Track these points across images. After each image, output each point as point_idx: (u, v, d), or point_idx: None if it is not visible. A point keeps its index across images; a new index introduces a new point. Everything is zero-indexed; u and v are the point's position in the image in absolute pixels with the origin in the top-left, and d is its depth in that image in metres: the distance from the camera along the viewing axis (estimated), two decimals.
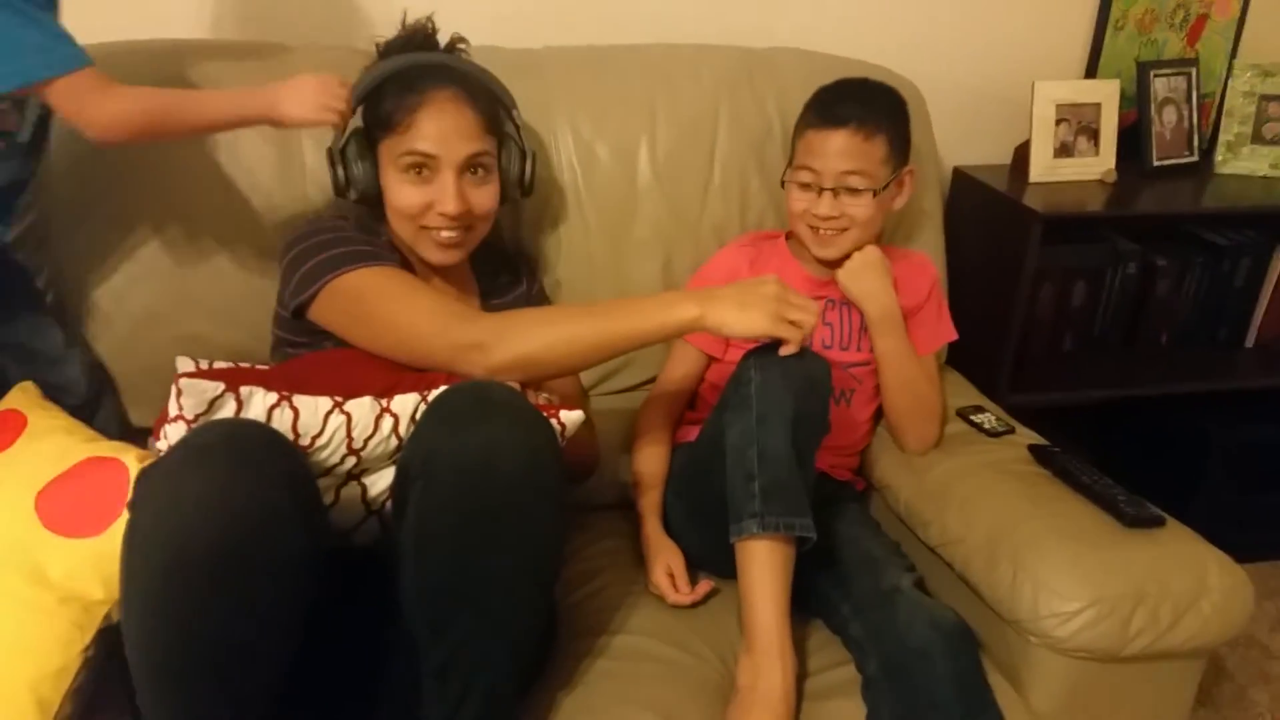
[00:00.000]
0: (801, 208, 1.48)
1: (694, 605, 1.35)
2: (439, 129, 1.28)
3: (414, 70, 1.29)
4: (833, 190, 1.45)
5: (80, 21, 1.17)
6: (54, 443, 1.21)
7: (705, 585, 1.37)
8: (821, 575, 1.33)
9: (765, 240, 1.62)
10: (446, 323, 1.20)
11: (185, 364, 1.41)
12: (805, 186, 1.48)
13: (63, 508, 1.14)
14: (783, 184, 1.53)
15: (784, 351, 1.18)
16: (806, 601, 1.32)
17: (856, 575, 1.34)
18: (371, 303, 1.22)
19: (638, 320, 1.19)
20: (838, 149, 1.43)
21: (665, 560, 1.38)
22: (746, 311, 1.16)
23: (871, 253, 1.49)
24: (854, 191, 1.45)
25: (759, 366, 1.20)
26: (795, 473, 1.18)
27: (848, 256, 1.50)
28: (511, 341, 1.18)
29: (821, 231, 1.48)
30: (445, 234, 1.31)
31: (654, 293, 1.62)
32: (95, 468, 1.18)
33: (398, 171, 1.29)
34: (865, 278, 1.49)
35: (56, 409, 1.30)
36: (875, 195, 1.45)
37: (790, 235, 1.60)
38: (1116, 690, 1.26)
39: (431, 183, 1.29)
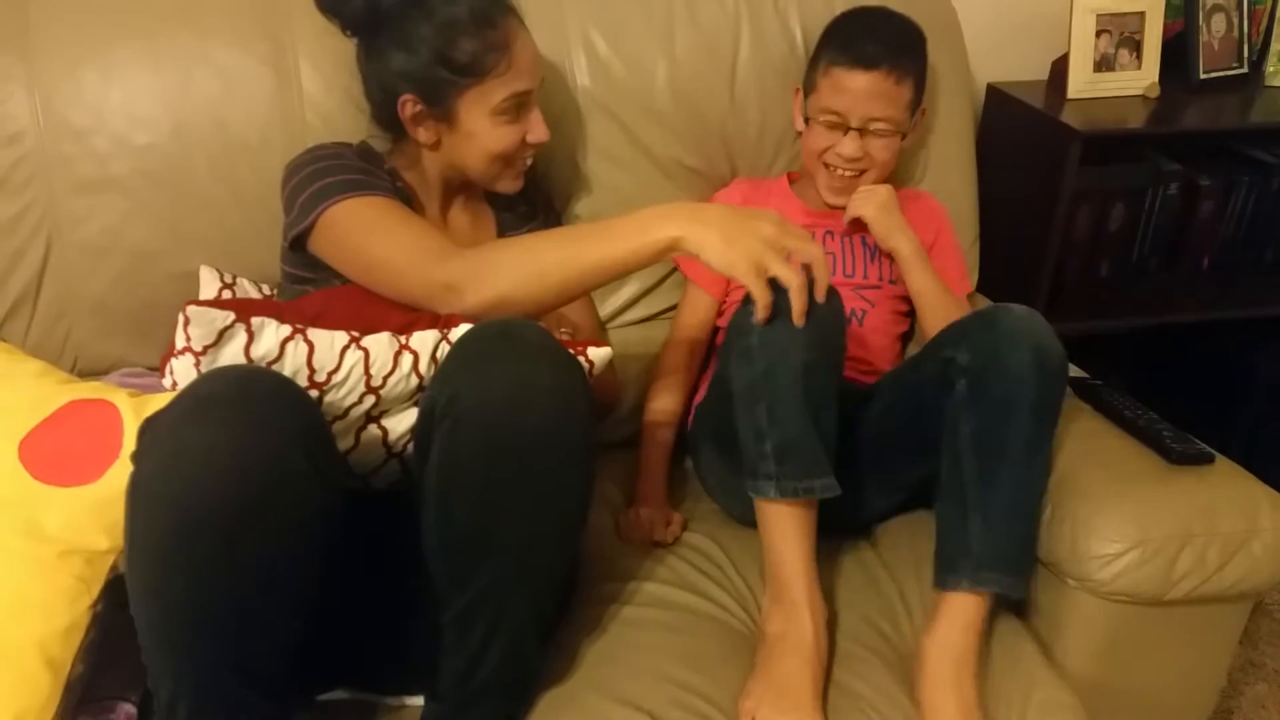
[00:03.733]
0: (824, 145, 1.44)
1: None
2: (529, 60, 1.26)
3: (480, 2, 1.22)
4: (858, 130, 1.41)
5: None
6: (27, 388, 1.14)
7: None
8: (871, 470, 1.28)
9: (767, 180, 1.58)
10: (422, 260, 1.14)
11: (209, 274, 1.38)
12: (830, 126, 1.43)
13: (51, 456, 1.08)
14: (806, 120, 1.48)
15: (757, 318, 1.08)
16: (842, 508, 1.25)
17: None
18: (354, 235, 1.17)
19: (613, 245, 1.10)
20: (867, 91, 1.40)
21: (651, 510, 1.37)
22: (730, 247, 1.05)
23: (884, 189, 1.45)
24: (879, 134, 1.41)
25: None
26: (810, 429, 1.11)
27: None
28: (485, 283, 1.11)
29: (840, 172, 1.44)
30: (528, 162, 1.33)
31: None
32: (81, 411, 1.11)
33: (493, 116, 1.24)
34: (894, 214, 1.45)
35: (19, 350, 1.23)
36: (903, 138, 1.44)
37: (792, 179, 1.56)
38: (1157, 635, 1.22)
39: (520, 118, 1.27)
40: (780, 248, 1.06)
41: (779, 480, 1.11)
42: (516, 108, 1.26)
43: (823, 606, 1.15)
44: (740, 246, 1.05)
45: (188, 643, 0.90)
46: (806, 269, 1.10)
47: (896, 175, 1.58)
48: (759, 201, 1.54)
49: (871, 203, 1.43)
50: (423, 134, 1.27)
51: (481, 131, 1.25)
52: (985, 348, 1.14)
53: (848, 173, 1.44)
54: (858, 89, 1.39)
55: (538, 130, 1.29)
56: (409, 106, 1.24)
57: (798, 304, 1.07)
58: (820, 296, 1.09)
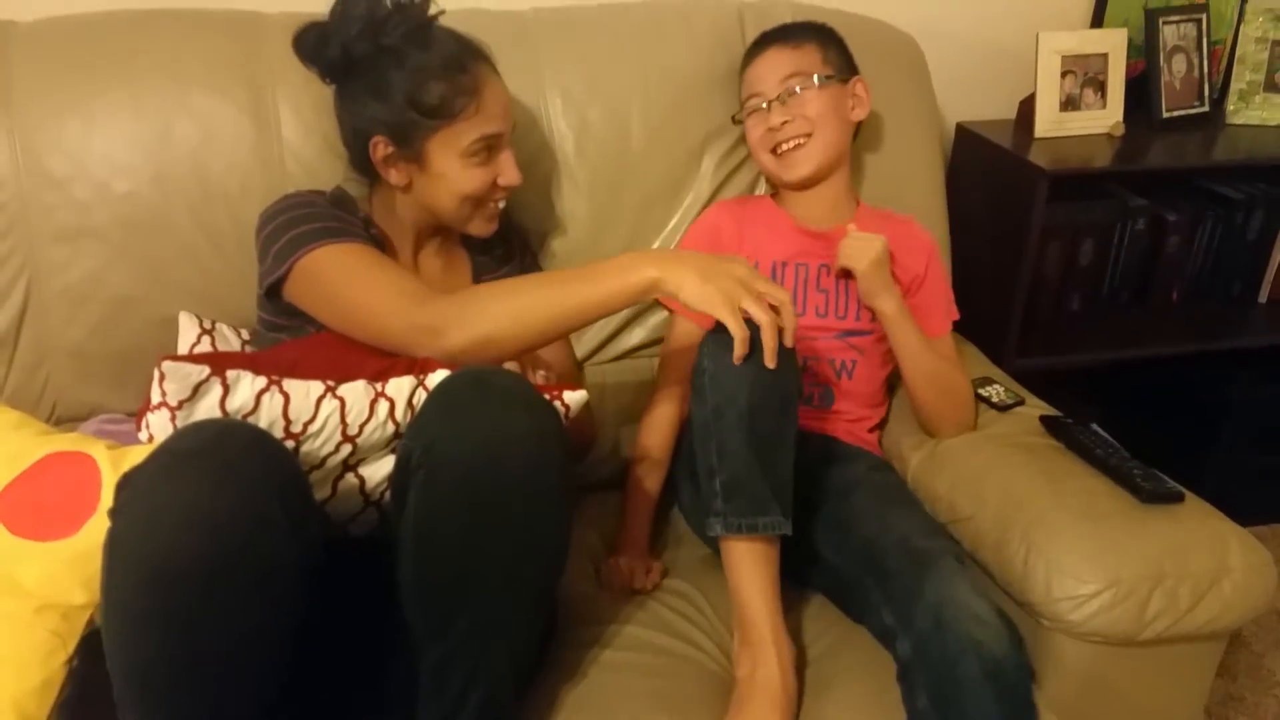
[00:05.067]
0: (758, 132, 1.50)
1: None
2: (499, 105, 1.28)
3: (451, 49, 1.25)
4: (779, 99, 1.46)
5: None
6: (4, 441, 1.14)
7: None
8: (838, 555, 1.28)
9: (751, 199, 1.60)
10: (401, 303, 1.15)
11: (188, 320, 1.38)
12: (755, 113, 1.50)
13: (28, 510, 1.07)
14: (735, 120, 1.56)
15: (735, 355, 1.09)
16: (810, 576, 1.30)
17: (894, 570, 1.21)
18: (332, 281, 1.18)
19: (594, 287, 1.12)
20: (771, 64, 1.48)
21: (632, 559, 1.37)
22: (706, 285, 1.08)
23: (880, 243, 1.40)
24: (797, 91, 1.46)
25: (711, 355, 1.13)
26: (755, 468, 1.12)
27: (819, 179, 1.49)
28: (466, 325, 1.13)
29: (781, 150, 1.48)
30: (500, 205, 1.34)
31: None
32: (60, 464, 1.10)
33: (463, 158, 1.26)
34: (884, 272, 1.41)
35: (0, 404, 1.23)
36: (820, 86, 1.45)
37: (775, 193, 1.58)
38: (1132, 674, 1.22)
39: (491, 161, 1.28)
40: (751, 288, 1.09)
41: (725, 516, 1.14)
42: (487, 150, 1.27)
43: (789, 644, 1.15)
44: (715, 284, 1.08)
45: (163, 698, 0.90)
46: (775, 311, 1.11)
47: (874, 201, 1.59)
48: (747, 217, 1.54)
49: (865, 258, 1.39)
50: (394, 176, 1.28)
51: (452, 173, 1.26)
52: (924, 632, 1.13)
53: (789, 144, 1.47)
54: (761, 69, 1.49)
55: (509, 173, 1.30)
56: (380, 148, 1.26)
57: (769, 341, 1.09)
58: (789, 341, 1.11)
